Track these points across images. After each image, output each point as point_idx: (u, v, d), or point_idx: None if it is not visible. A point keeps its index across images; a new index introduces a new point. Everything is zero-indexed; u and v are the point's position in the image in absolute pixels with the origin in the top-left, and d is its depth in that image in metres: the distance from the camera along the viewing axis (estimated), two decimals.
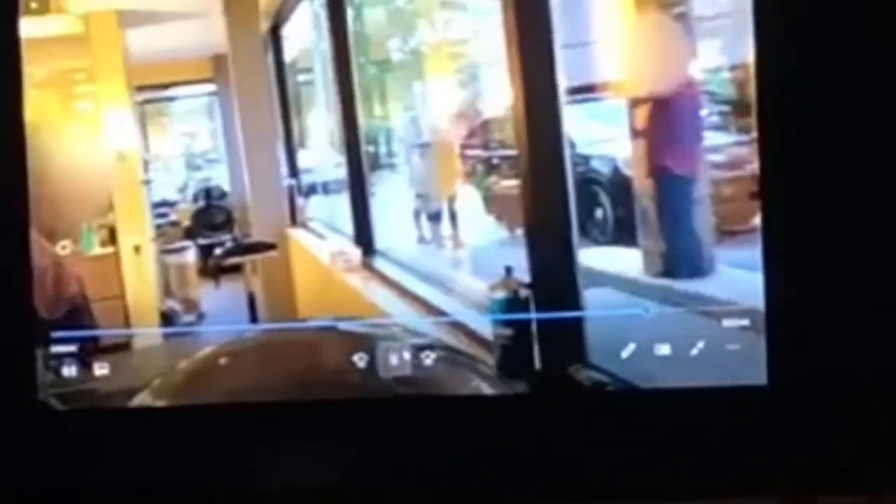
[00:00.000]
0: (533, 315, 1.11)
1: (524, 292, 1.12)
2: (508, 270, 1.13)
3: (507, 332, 1.08)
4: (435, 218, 1.56)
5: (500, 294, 1.13)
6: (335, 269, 1.58)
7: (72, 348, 1.08)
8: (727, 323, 1.01)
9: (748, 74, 1.06)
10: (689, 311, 1.03)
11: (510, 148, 1.26)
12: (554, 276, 1.13)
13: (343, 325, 1.14)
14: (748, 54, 1.05)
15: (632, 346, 1.02)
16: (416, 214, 1.65)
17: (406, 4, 1.76)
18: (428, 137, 1.55)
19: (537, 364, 1.07)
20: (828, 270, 0.97)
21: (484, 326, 1.11)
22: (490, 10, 1.27)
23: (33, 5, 1.08)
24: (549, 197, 1.13)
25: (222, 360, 1.12)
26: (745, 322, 1.00)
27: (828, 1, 0.95)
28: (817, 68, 0.96)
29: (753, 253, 1.02)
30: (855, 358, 0.99)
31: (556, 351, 1.09)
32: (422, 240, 1.61)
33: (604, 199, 1.23)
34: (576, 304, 1.12)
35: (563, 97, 1.15)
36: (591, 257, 1.19)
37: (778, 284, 0.97)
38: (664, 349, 1.02)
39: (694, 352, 1.02)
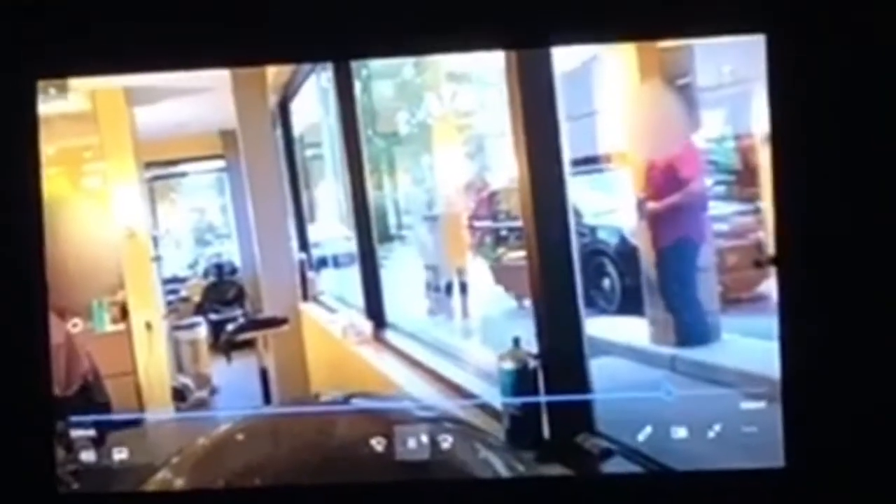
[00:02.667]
0: (542, 398, 1.13)
1: (532, 363, 1.15)
2: (516, 341, 1.16)
3: (517, 402, 1.12)
4: (445, 290, 1.59)
5: (509, 365, 1.16)
6: (347, 343, 1.61)
7: (90, 433, 1.11)
8: (745, 405, 1.04)
9: (752, 144, 1.12)
10: (708, 394, 1.06)
11: (517, 219, 1.29)
12: (561, 347, 1.16)
13: (355, 404, 1.17)
14: (751, 124, 1.11)
15: (648, 430, 1.06)
16: (428, 286, 1.68)
17: (414, 77, 1.81)
18: (436, 210, 1.59)
19: (546, 433, 1.10)
20: (845, 352, 1.01)
21: (494, 397, 1.13)
22: (496, 81, 1.30)
23: (52, 91, 1.14)
24: (556, 268, 1.17)
25: (239, 437, 1.15)
26: (762, 405, 1.02)
27: (836, 76, 1.01)
28: (831, 140, 1.01)
29: (757, 320, 1.06)
30: (874, 440, 1.04)
31: (565, 420, 1.11)
32: (433, 311, 1.65)
33: (610, 268, 1.27)
34: (583, 374, 1.15)
35: (567, 169, 1.21)
36: (599, 326, 1.23)
37: (795, 369, 0.99)
38: (681, 432, 1.07)
39: (711, 434, 1.06)
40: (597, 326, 1.24)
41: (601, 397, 1.12)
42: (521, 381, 1.13)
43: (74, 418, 1.09)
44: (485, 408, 1.15)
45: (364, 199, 1.71)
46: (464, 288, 1.59)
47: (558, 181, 1.15)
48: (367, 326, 1.62)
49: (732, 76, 1.11)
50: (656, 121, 1.13)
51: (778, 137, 0.97)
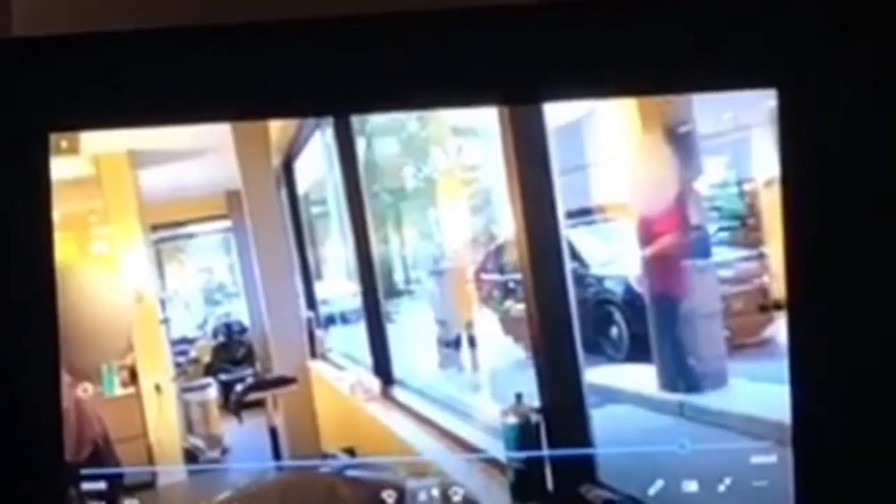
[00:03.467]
0: (545, 452, 1.14)
1: (534, 417, 1.17)
2: (519, 397, 1.19)
3: (520, 456, 1.14)
4: (453, 344, 1.59)
5: (512, 419, 1.18)
6: (355, 400, 1.62)
7: (101, 485, 1.13)
8: (756, 460, 1.05)
9: (755, 189, 1.15)
10: (721, 448, 1.07)
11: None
12: (562, 400, 1.19)
13: (352, 472, 1.19)
14: (753, 169, 1.14)
15: (660, 483, 1.06)
16: (438, 341, 1.68)
17: (419, 132, 1.84)
18: (443, 264, 1.60)
19: (549, 485, 1.11)
20: (859, 403, 1.00)
21: (500, 451, 1.16)
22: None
23: (63, 144, 1.18)
24: (554, 322, 1.20)
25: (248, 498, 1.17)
26: (774, 459, 1.03)
27: (848, 129, 1.00)
28: (842, 191, 1.00)
29: (764, 364, 1.08)
30: (888, 494, 1.01)
31: (568, 472, 1.13)
32: (442, 365, 1.65)
33: (618, 317, 1.28)
34: (584, 426, 1.17)
35: (566, 221, 1.24)
36: (609, 375, 1.26)
37: (806, 422, 1.00)
38: (692, 486, 1.06)
39: (721, 488, 1.06)
40: (606, 375, 1.27)
41: (615, 451, 1.13)
42: (524, 435, 1.16)
43: (86, 472, 1.12)
44: (490, 462, 1.16)
45: (368, 255, 1.74)
46: (472, 341, 1.59)
47: (553, 234, 1.19)
48: (374, 384, 1.63)
49: (733, 122, 1.14)
50: (659, 171, 1.17)
51: (789, 189, 1.01)
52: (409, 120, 1.64)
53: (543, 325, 1.22)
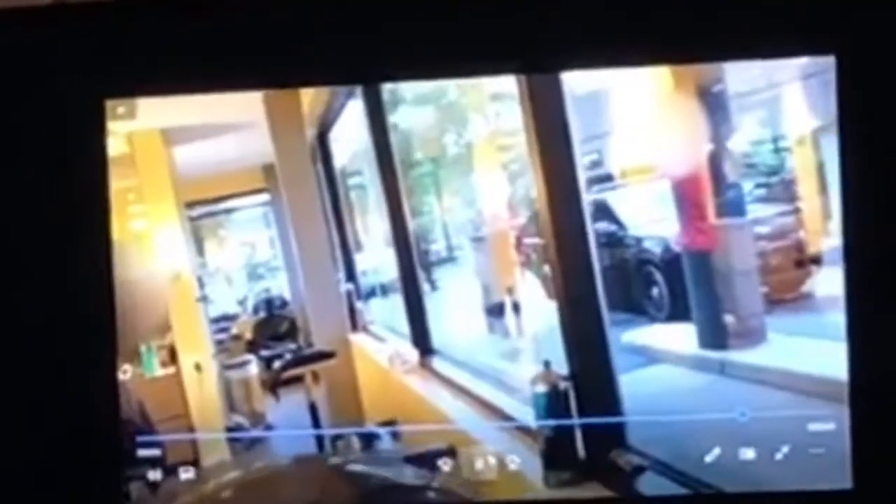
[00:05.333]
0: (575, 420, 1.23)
1: (563, 384, 1.23)
2: (547, 364, 1.25)
3: (550, 424, 1.20)
4: (496, 310, 1.64)
5: (541, 388, 1.23)
6: (394, 373, 1.67)
7: (156, 452, 1.23)
8: (812, 427, 1.09)
9: (788, 145, 1.21)
10: (780, 416, 1.11)
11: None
12: (590, 367, 1.24)
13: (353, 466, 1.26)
14: (787, 126, 1.20)
15: (717, 451, 1.11)
16: (483, 308, 1.71)
17: (458, 99, 1.88)
18: (484, 230, 1.65)
19: (581, 453, 1.18)
20: None
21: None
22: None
23: (120, 110, 1.24)
24: (579, 289, 1.25)
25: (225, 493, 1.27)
26: (832, 426, 1.07)
27: None
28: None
29: (802, 319, 1.14)
30: None
31: (600, 439, 1.19)
32: (486, 332, 1.68)
33: (658, 277, 1.33)
34: (614, 392, 1.21)
35: (602, 184, 1.30)
36: (651, 335, 1.31)
37: (863, 386, 1.04)
38: (749, 453, 1.11)
39: (779, 456, 1.11)
40: (648, 335, 1.33)
41: (681, 418, 1.15)
42: (553, 403, 1.21)
43: (141, 438, 1.21)
44: (524, 430, 1.22)
45: (403, 224, 1.77)
46: (516, 307, 1.63)
47: (575, 199, 1.23)
48: (413, 355, 1.68)
49: (765, 81, 1.17)
50: (693, 131, 1.23)
51: (848, 156, 1.04)
52: (448, 87, 1.70)
53: (567, 291, 1.26)
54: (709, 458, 1.10)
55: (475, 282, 1.67)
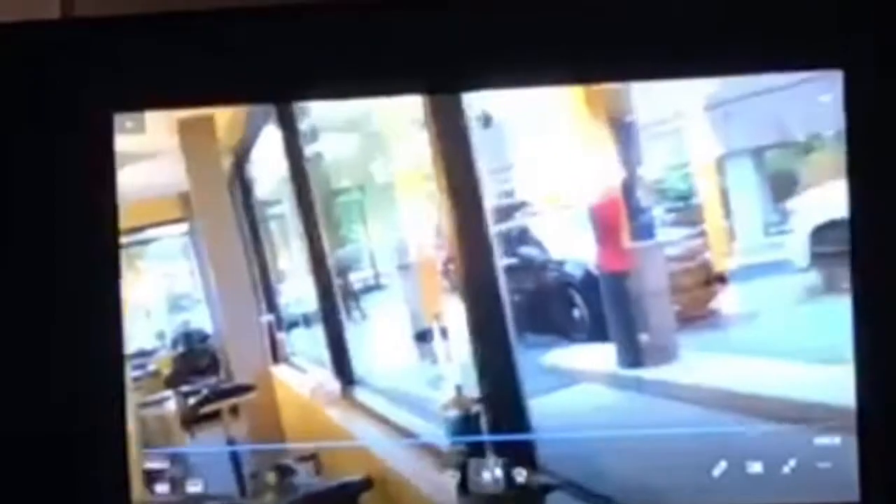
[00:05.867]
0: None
1: (475, 408, 1.32)
2: (459, 389, 1.34)
3: (463, 447, 1.28)
4: (424, 337, 1.66)
5: (453, 412, 1.33)
6: (316, 404, 1.72)
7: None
8: (819, 441, 1.18)
9: (698, 170, 1.33)
10: (786, 430, 1.20)
11: None
12: (499, 389, 1.35)
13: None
14: (692, 153, 1.32)
15: (723, 464, 1.21)
16: (410, 335, 1.72)
17: (383, 126, 1.93)
18: (410, 257, 1.67)
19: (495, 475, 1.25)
20: None
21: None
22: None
23: (129, 125, 1.28)
24: (487, 312, 1.38)
25: None
26: (838, 440, 1.17)
27: None
28: None
29: (711, 335, 1.26)
30: None
31: (510, 459, 1.26)
32: (413, 360, 1.68)
33: (578, 299, 1.42)
34: (522, 413, 1.32)
35: (523, 209, 1.40)
36: (573, 356, 1.41)
37: (870, 402, 1.13)
38: (756, 467, 1.20)
39: (786, 469, 1.20)
40: (570, 356, 1.42)
41: (680, 431, 1.23)
42: (464, 427, 1.31)
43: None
44: (436, 454, 1.31)
45: (321, 254, 1.83)
46: (444, 333, 1.64)
47: (480, 224, 1.36)
48: (335, 386, 1.74)
49: (671, 111, 1.29)
50: (606, 159, 1.31)
51: (856, 172, 1.13)
52: (372, 114, 1.77)
53: (475, 316, 1.40)
54: (716, 472, 1.21)
55: (404, 309, 1.73)
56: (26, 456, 1.23)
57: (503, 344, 1.38)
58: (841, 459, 1.17)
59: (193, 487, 1.31)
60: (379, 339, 1.84)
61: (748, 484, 1.21)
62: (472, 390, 1.38)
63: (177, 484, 1.32)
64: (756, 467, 1.20)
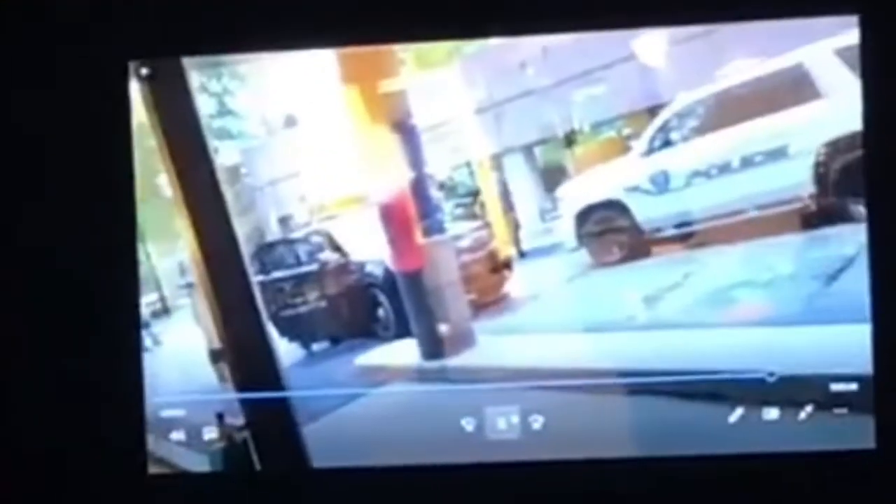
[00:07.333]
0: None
1: (240, 435, 1.50)
2: (220, 417, 1.51)
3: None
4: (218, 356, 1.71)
5: (218, 445, 1.49)
6: None
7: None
8: (835, 387, 1.34)
9: (482, 166, 1.60)
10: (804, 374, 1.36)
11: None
12: (266, 415, 1.52)
13: None
14: (473, 152, 1.55)
15: (740, 411, 1.38)
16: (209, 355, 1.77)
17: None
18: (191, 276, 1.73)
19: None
20: None
21: None
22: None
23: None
24: (244, 333, 1.57)
25: None
26: (854, 387, 1.32)
27: None
28: None
29: (503, 319, 1.51)
30: None
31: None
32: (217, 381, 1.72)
33: (382, 298, 1.63)
34: (295, 436, 1.51)
35: (321, 214, 1.58)
36: (381, 355, 1.60)
37: (886, 349, 1.27)
38: (772, 413, 1.37)
39: (802, 415, 1.36)
40: (379, 355, 1.60)
41: (701, 377, 1.44)
42: (232, 456, 1.49)
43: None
44: None
45: None
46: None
47: (230, 239, 1.57)
48: None
49: (447, 115, 1.55)
50: (391, 160, 1.54)
51: (873, 118, 1.27)
52: None
53: (233, 339, 1.60)
54: (732, 419, 1.38)
55: (196, 330, 1.75)
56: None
57: (270, 367, 1.60)
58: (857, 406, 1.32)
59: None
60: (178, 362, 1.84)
61: (764, 430, 1.38)
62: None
63: None
64: (772, 413, 1.38)
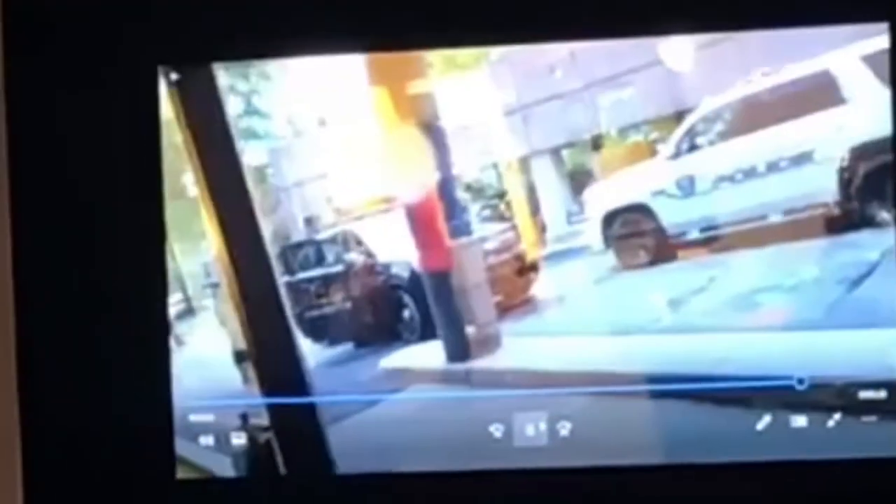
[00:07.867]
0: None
1: (264, 436, 1.57)
2: (244, 417, 1.59)
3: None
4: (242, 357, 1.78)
5: (242, 447, 1.56)
6: None
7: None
8: (864, 395, 1.40)
9: (510, 168, 1.68)
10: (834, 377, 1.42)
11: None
12: (292, 415, 1.59)
13: None
14: (501, 154, 1.63)
15: (767, 419, 1.45)
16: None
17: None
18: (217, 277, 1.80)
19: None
20: None
21: None
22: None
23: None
24: (272, 336, 1.65)
25: None
26: (883, 394, 1.39)
27: None
28: None
29: (529, 321, 1.57)
30: None
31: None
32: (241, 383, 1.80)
33: (408, 300, 1.69)
34: (320, 437, 1.58)
35: (348, 215, 1.65)
36: (406, 357, 1.67)
37: None
38: (800, 421, 1.44)
39: (830, 423, 1.42)
40: (404, 357, 1.67)
41: (725, 385, 1.51)
42: (256, 455, 1.57)
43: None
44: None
45: None
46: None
47: (257, 241, 1.64)
48: None
49: (476, 113, 1.62)
50: (420, 162, 1.61)
51: None
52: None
53: (258, 340, 1.67)
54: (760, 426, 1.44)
55: (221, 331, 1.82)
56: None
57: (295, 369, 1.68)
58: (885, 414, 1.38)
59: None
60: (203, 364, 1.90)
61: (792, 438, 1.44)
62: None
63: None
64: (800, 421, 1.45)
